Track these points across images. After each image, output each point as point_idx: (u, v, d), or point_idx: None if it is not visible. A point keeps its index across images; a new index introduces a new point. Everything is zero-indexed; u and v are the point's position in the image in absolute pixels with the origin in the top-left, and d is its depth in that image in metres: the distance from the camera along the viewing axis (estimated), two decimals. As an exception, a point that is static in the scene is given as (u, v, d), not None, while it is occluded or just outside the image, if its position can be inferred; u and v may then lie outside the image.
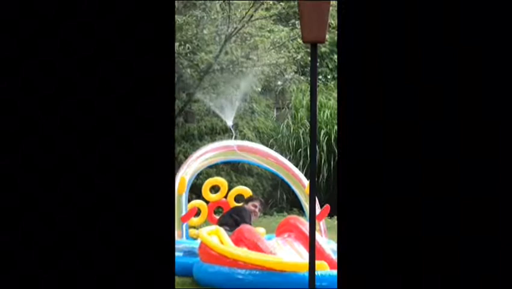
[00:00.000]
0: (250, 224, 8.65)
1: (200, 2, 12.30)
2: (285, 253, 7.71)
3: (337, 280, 6.81)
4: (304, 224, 8.07)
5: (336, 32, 15.75)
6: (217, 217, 9.52)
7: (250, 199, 9.33)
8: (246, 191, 9.84)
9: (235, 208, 9.35)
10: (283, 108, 16.44)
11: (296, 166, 13.92)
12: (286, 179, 9.85)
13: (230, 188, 9.97)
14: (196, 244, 8.14)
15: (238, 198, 9.77)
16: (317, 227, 7.63)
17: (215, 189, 9.92)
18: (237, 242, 7.80)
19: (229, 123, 10.44)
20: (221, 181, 9.83)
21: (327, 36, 4.67)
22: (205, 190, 9.66)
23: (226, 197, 9.76)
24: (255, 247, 7.56)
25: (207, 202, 9.62)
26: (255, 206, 9.15)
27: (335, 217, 13.33)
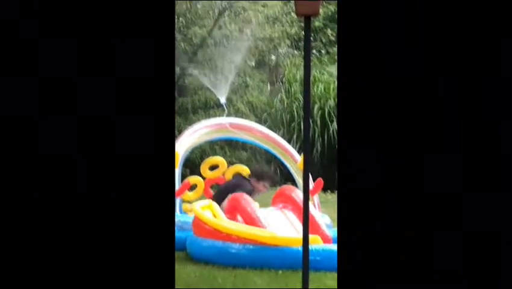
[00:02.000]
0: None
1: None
2: (279, 225, 7.72)
3: (330, 254, 6.88)
4: (299, 195, 8.07)
5: (329, 6, 15.73)
6: (213, 192, 9.51)
7: (261, 176, 9.13)
8: (245, 170, 9.83)
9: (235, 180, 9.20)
10: (277, 83, 16.43)
11: (290, 140, 13.98)
12: (278, 155, 9.86)
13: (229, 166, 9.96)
14: (189, 218, 8.15)
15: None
16: (310, 201, 7.64)
17: (213, 167, 9.90)
18: (231, 210, 7.82)
19: (222, 100, 10.41)
20: (220, 160, 9.83)
21: (320, 10, 4.66)
22: (204, 169, 9.67)
23: (223, 175, 9.75)
24: (249, 216, 7.57)
25: (204, 178, 9.63)
26: (265, 187, 8.98)
27: (329, 191, 13.38)
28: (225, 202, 8.26)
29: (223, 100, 10.34)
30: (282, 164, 10.27)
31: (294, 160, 9.58)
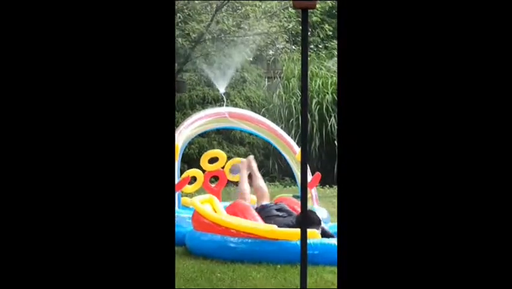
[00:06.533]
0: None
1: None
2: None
3: (328, 248, 6.90)
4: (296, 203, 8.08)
5: (327, 1, 15.73)
6: (213, 186, 9.52)
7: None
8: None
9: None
10: (274, 78, 16.43)
11: (288, 135, 13.97)
12: (277, 146, 9.86)
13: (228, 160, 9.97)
14: (189, 213, 8.16)
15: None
16: (308, 195, 7.66)
17: (212, 160, 9.91)
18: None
19: (222, 90, 10.41)
20: (220, 153, 9.84)
21: (318, 4, 4.66)
22: (204, 161, 9.67)
23: (223, 168, 9.76)
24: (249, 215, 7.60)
25: (203, 171, 9.63)
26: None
27: (327, 186, 13.40)
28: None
29: (222, 90, 10.33)
30: (281, 156, 10.27)
31: (293, 151, 9.55)
